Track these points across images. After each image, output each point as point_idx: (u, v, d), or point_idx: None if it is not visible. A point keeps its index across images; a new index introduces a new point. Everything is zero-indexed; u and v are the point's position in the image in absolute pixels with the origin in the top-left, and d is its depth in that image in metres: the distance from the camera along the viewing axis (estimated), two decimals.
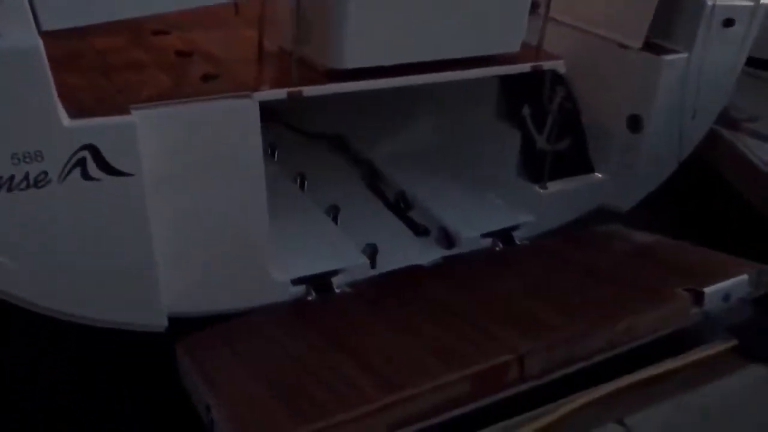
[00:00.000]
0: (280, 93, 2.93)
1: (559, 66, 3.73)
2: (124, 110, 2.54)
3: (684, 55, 3.91)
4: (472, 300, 3.27)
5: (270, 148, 4.47)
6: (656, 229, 4.18)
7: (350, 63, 3.07)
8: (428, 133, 4.62)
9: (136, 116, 2.55)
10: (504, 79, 3.97)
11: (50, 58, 2.26)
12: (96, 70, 2.89)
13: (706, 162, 4.70)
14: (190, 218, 2.87)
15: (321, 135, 4.75)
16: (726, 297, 3.38)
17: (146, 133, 2.59)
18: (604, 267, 3.67)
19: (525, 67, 3.63)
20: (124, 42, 3.27)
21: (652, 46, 3.92)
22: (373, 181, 4.37)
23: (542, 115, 3.93)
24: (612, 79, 4.07)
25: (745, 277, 3.43)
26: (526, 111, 3.99)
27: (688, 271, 3.55)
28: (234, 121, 2.84)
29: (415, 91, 4.02)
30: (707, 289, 3.30)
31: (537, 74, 3.75)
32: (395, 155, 4.50)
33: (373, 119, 4.63)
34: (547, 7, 3.62)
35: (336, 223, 3.85)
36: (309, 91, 3.01)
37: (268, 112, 4.72)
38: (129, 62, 3.06)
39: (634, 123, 4.04)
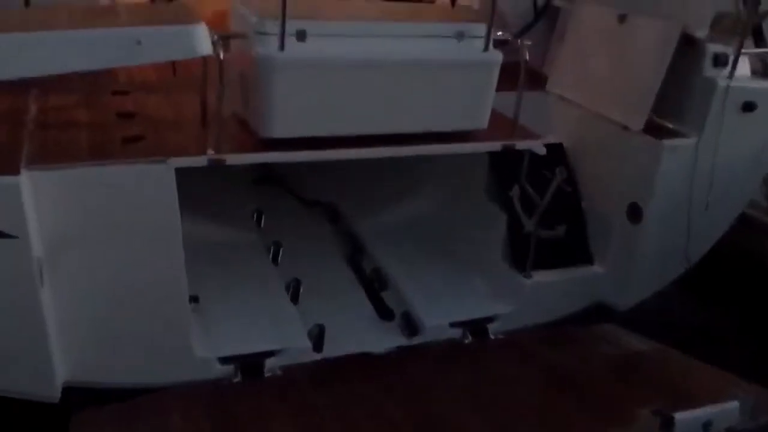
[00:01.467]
0: (200, 160, 2.78)
1: (536, 147, 3.39)
2: (14, 170, 2.46)
3: (691, 140, 3.48)
4: (402, 405, 2.92)
5: (257, 214, 4.35)
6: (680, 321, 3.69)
7: (279, 132, 2.90)
8: (421, 208, 4.35)
9: (28, 177, 2.46)
10: (493, 156, 3.66)
11: None
12: (22, 127, 2.86)
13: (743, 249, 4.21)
14: (99, 284, 2.74)
15: (316, 202, 4.59)
16: (707, 425, 2.86)
17: (44, 194, 2.50)
18: (576, 375, 3.22)
19: (495, 146, 3.32)
20: (75, 100, 3.24)
21: (656, 129, 3.52)
22: (354, 255, 4.12)
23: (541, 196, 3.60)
24: (613, 163, 3.69)
25: (735, 403, 2.90)
26: (515, 192, 3.65)
27: (671, 388, 3.06)
28: (147, 186, 2.71)
29: (412, 164, 3.81)
30: (680, 414, 2.80)
31: (528, 152, 3.44)
32: (383, 229, 4.25)
33: (367, 190, 4.43)
34: (523, 78, 3.31)
35: (296, 299, 3.63)
36: (232, 159, 2.85)
37: (268, 174, 4.68)
38: (64, 121, 3.02)
39: (634, 212, 3.62)
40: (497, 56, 3.14)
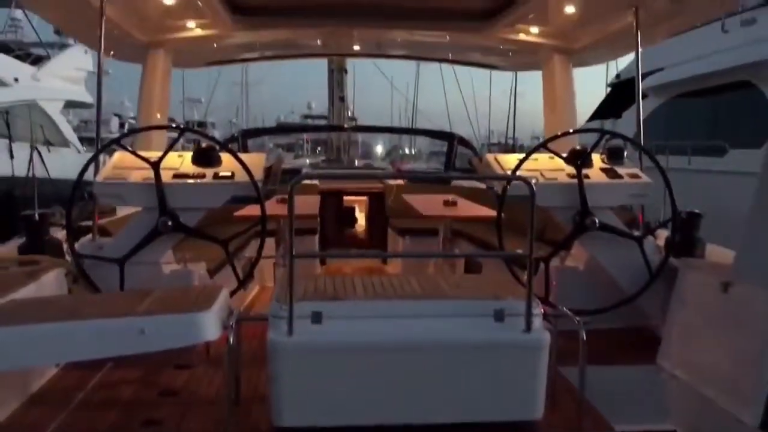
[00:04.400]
0: None
1: None
2: None
3: None
4: None
5: None
6: None
7: (290, 421, 2.69)
8: None
9: None
10: None
11: None
12: (64, 407, 2.97)
13: None
14: None
15: None
16: None
17: None
18: None
19: None
20: (137, 375, 3.36)
21: None
22: None
23: None
24: None
25: None
26: None
27: None
28: None
29: None
30: None
31: None
32: None
33: None
34: (583, 353, 2.84)
35: None
36: None
37: None
38: (105, 400, 3.10)
39: None
40: (543, 336, 2.74)
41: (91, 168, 3.91)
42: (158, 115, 5.37)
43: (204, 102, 45.62)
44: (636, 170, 4.24)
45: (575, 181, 3.98)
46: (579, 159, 4.06)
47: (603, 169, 4.21)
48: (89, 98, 17.20)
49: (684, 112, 14.75)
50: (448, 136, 8.21)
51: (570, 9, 4.76)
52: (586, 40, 5.30)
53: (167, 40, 5.27)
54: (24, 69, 15.59)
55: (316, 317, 2.71)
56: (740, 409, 2.89)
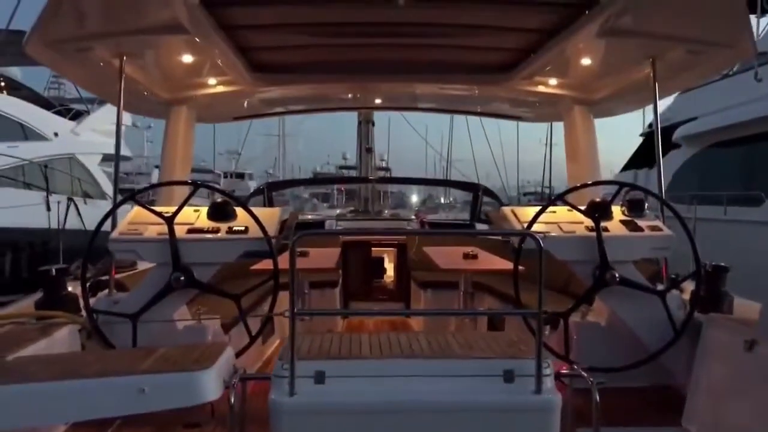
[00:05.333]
0: None
1: None
2: None
3: None
4: None
5: None
6: None
7: None
8: None
9: None
10: None
11: None
12: None
13: None
14: None
15: None
16: None
17: None
18: None
19: None
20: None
21: None
22: None
23: None
24: None
25: None
26: None
27: None
28: None
29: None
30: None
31: None
32: None
33: None
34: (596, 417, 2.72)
35: None
36: None
37: None
38: None
39: None
40: (553, 398, 2.63)
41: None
42: (180, 170, 5.44)
43: (242, 154, 46.64)
44: (657, 222, 4.13)
45: (594, 234, 3.89)
46: (597, 211, 3.98)
47: (623, 222, 4.10)
48: (127, 151, 17.65)
49: (718, 162, 14.54)
50: (473, 187, 8.18)
51: (587, 61, 4.74)
52: (606, 92, 5.26)
53: (189, 97, 5.37)
54: (64, 124, 16.11)
55: (319, 377, 2.64)
56: None
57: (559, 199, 4.13)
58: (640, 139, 20.11)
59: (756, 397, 2.98)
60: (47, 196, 12.66)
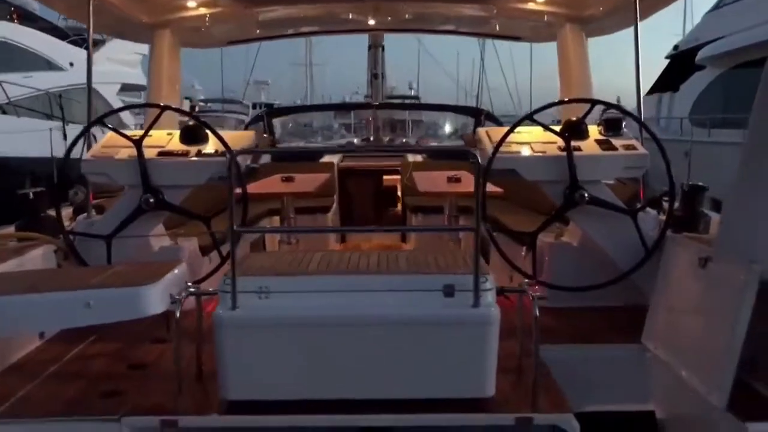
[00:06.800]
0: (152, 420, 2.69)
1: (563, 421, 2.68)
2: None
3: None
4: None
5: None
6: None
7: (236, 395, 2.70)
8: None
9: None
10: None
11: None
12: (33, 378, 3.07)
13: None
14: None
15: None
16: None
17: None
18: None
19: (505, 419, 2.71)
20: (114, 349, 3.43)
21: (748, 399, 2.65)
22: None
23: None
24: None
25: None
26: None
27: None
28: None
29: None
30: None
31: None
32: None
33: None
34: (535, 329, 2.76)
35: None
36: (185, 421, 2.70)
37: None
38: (75, 373, 3.15)
39: None
40: (491, 312, 2.65)
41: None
42: (167, 95, 5.42)
43: (270, 84, 46.31)
44: (633, 141, 4.03)
45: (565, 153, 3.83)
46: (569, 130, 3.90)
47: (598, 141, 4.02)
48: (143, 80, 17.65)
49: (745, 83, 14.05)
50: (474, 111, 8.06)
51: None
52: (595, 8, 5.07)
53: (172, 20, 5.30)
54: (79, 54, 16.12)
55: (262, 292, 2.70)
56: (709, 390, 2.75)
57: (528, 118, 4.05)
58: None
59: (704, 314, 2.98)
60: (63, 126, 12.83)
